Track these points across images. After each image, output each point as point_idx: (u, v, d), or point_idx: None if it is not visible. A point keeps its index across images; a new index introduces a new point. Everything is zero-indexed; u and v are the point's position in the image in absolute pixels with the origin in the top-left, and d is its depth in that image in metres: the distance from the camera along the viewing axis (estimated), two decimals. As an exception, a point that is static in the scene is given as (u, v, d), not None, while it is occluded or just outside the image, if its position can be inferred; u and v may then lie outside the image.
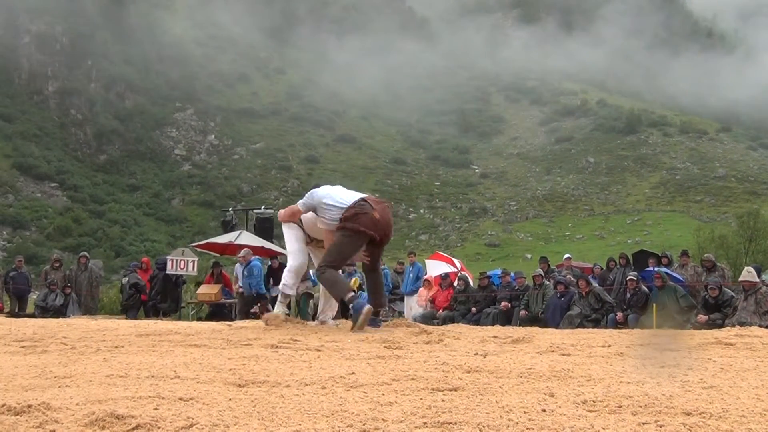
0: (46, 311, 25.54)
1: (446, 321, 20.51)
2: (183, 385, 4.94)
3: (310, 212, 10.40)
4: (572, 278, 22.07)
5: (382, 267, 27.48)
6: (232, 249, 28.09)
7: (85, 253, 31.50)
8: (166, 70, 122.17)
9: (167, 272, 26.06)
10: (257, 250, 28.17)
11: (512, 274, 24.52)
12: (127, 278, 27.46)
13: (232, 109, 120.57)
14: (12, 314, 25.49)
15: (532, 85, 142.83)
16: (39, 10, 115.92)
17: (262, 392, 4.64)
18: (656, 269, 21.31)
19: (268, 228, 30.23)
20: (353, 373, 5.43)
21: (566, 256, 27.29)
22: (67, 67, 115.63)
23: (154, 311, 26.45)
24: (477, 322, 20.39)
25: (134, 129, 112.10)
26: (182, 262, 25.58)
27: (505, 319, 21.59)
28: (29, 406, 3.98)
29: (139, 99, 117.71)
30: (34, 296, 30.00)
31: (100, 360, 6.40)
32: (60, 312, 25.26)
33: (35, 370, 5.85)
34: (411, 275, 26.35)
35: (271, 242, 29.49)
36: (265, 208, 33.05)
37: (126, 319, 22.05)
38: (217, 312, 24.92)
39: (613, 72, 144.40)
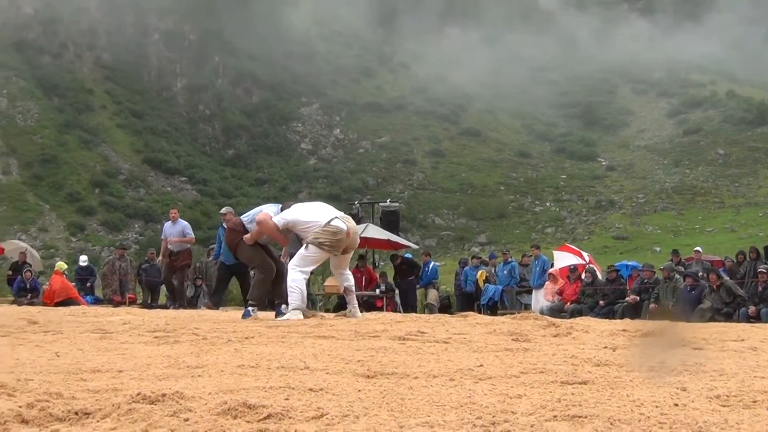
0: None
1: (574, 314, 20.34)
2: (313, 375, 5.00)
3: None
4: (702, 272, 21.69)
5: (509, 260, 27.62)
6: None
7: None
8: (292, 65, 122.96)
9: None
10: (383, 243, 28.32)
11: (639, 267, 24.26)
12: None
13: (356, 103, 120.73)
14: (145, 305, 26.06)
15: (659, 77, 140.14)
16: (167, 9, 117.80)
17: (390, 384, 4.66)
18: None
19: (394, 221, 30.19)
20: (481, 365, 5.42)
21: (696, 249, 26.86)
22: (194, 64, 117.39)
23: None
24: (605, 316, 20.20)
25: (261, 124, 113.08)
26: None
27: (634, 312, 21.33)
28: (163, 395, 4.06)
29: (266, 94, 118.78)
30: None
31: (232, 351, 6.50)
32: (191, 303, 25.68)
33: (168, 360, 5.96)
34: (537, 269, 26.21)
35: (398, 235, 29.52)
36: (391, 201, 33.11)
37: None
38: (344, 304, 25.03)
39: (741, 62, 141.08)
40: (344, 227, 12.40)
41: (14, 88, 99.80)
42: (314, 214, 12.65)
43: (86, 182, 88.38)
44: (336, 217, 12.53)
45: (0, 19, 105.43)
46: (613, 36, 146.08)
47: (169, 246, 22.61)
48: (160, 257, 23.39)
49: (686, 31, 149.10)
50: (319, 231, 12.09)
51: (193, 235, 23.53)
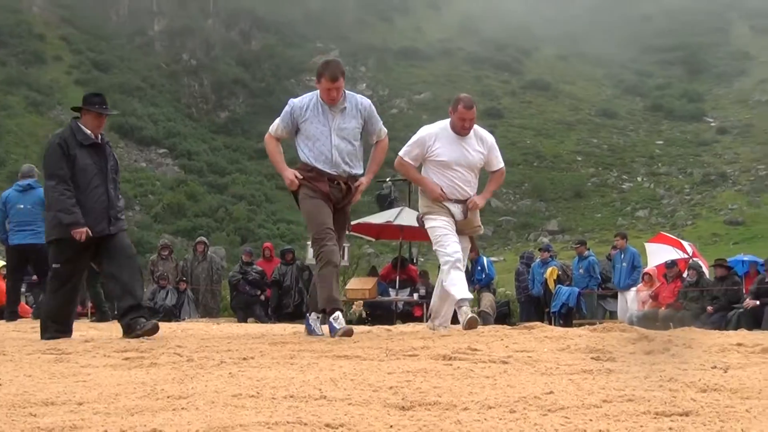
0: (154, 313, 26.04)
1: (673, 323, 20.32)
2: (331, 407, 5.01)
3: None
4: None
5: (586, 254, 27.57)
6: (391, 231, 28.23)
7: (203, 238, 32.16)
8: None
9: (307, 263, 26.37)
10: (422, 233, 28.17)
11: (760, 261, 24.17)
12: (238, 270, 28.07)
13: (388, 49, 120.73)
14: (100, 317, 25.95)
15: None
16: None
17: (432, 417, 4.68)
18: None
19: (437, 203, 29.89)
20: (551, 392, 5.43)
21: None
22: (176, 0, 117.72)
23: (278, 313, 26.89)
24: (715, 326, 20.17)
25: (263, 77, 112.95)
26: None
27: (753, 321, 21.27)
28: (137, 434, 4.09)
29: (270, 38, 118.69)
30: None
31: (225, 375, 6.53)
32: (172, 313, 25.79)
33: (143, 388, 5.99)
34: (624, 264, 26.11)
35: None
36: (434, 178, 32.79)
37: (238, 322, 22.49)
38: (377, 314, 25.00)
39: None
40: None
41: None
42: None
43: (36, 158, 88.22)
44: None
45: None
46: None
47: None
48: None
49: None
50: None
51: None
